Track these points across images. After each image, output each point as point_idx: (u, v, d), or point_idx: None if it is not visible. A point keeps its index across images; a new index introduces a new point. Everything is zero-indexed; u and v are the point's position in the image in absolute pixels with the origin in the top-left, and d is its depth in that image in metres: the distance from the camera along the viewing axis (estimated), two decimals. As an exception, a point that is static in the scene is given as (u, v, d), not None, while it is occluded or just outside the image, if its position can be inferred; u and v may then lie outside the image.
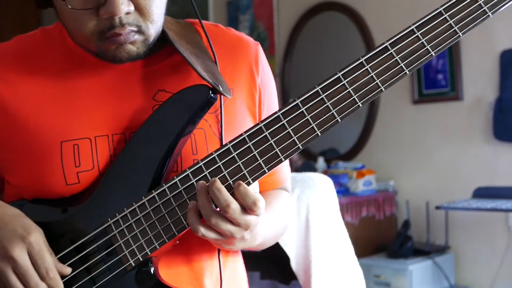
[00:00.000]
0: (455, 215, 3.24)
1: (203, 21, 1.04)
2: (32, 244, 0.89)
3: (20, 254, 0.88)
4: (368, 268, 3.05)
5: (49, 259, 0.89)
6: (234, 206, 0.86)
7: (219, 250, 1.01)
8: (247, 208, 0.87)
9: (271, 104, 1.10)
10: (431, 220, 3.26)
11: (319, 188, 2.19)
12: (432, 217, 3.26)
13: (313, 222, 2.11)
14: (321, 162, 3.58)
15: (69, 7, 0.89)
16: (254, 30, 4.12)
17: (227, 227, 0.87)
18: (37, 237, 0.90)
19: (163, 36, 0.98)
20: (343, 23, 3.75)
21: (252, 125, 1.00)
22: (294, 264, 2.11)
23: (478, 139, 3.24)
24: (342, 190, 3.27)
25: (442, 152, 3.36)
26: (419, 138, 3.44)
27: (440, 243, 3.27)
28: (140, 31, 0.92)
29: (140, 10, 0.91)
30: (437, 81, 3.37)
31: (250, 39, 1.09)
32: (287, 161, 1.10)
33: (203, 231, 0.88)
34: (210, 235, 0.89)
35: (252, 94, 1.05)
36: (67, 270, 0.92)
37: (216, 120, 1.00)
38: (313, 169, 3.44)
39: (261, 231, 0.96)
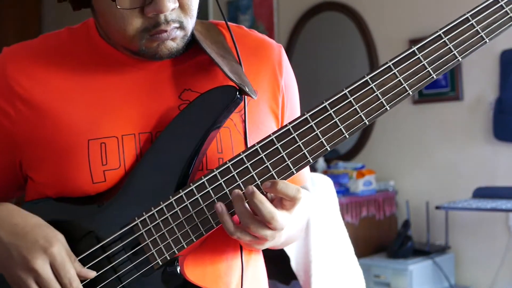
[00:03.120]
0: (455, 215, 3.24)
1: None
2: (54, 255, 0.89)
3: (43, 266, 0.88)
4: (368, 268, 3.05)
5: (72, 270, 0.89)
6: (278, 217, 0.87)
7: (241, 249, 1.02)
8: (288, 197, 0.88)
9: (294, 106, 1.11)
10: (431, 220, 3.26)
11: (319, 188, 2.19)
12: (432, 217, 3.26)
13: (313, 222, 2.11)
14: (321, 162, 3.58)
15: (118, 7, 0.89)
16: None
17: (264, 232, 0.89)
18: (59, 248, 0.90)
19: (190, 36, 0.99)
20: (343, 23, 3.75)
21: (274, 126, 1.03)
22: (294, 264, 2.11)
23: (478, 139, 3.24)
24: (342, 190, 3.27)
25: (442, 152, 3.36)
26: (419, 138, 3.44)
27: (440, 243, 3.27)
28: (181, 26, 0.94)
29: (182, 6, 0.93)
30: (437, 81, 3.37)
31: (273, 42, 1.10)
32: None
33: (239, 234, 0.89)
34: (246, 238, 0.90)
35: (275, 96, 1.06)
36: (92, 274, 0.92)
37: (241, 119, 1.01)
38: (313, 169, 3.44)
39: (286, 230, 0.96)
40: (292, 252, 2.12)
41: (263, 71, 1.06)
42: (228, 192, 0.91)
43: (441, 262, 3.15)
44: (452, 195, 3.22)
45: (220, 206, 0.89)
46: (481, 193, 3.04)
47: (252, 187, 0.87)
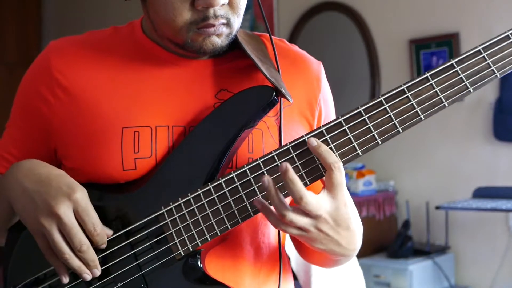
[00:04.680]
0: (455, 215, 3.25)
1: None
2: (78, 201, 0.90)
3: (66, 211, 0.89)
4: (368, 268, 3.05)
5: (95, 215, 0.91)
6: (308, 197, 0.87)
7: (280, 257, 1.04)
8: (324, 164, 0.88)
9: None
10: (431, 220, 3.26)
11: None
12: (432, 217, 3.26)
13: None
14: (321, 162, 3.58)
15: None
16: (254, 30, 4.12)
17: (303, 220, 0.88)
18: (82, 194, 0.91)
19: (233, 40, 1.01)
20: (343, 23, 3.75)
21: None
22: (294, 264, 2.11)
23: (478, 139, 3.24)
24: (342, 190, 3.27)
25: (442, 152, 3.36)
26: (419, 138, 3.44)
27: (440, 243, 3.27)
28: (228, 23, 0.96)
29: (231, 3, 0.95)
30: (437, 81, 3.37)
31: (312, 58, 1.13)
32: None
33: (283, 227, 0.89)
34: (292, 231, 0.90)
35: (311, 108, 1.08)
36: (109, 232, 0.93)
37: (274, 124, 1.03)
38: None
39: (356, 234, 0.96)
40: (292, 252, 2.12)
41: (301, 81, 1.08)
42: (256, 188, 0.92)
43: (441, 262, 3.16)
44: (452, 195, 3.22)
45: (260, 202, 0.90)
46: (481, 193, 3.04)
47: (286, 164, 0.87)
